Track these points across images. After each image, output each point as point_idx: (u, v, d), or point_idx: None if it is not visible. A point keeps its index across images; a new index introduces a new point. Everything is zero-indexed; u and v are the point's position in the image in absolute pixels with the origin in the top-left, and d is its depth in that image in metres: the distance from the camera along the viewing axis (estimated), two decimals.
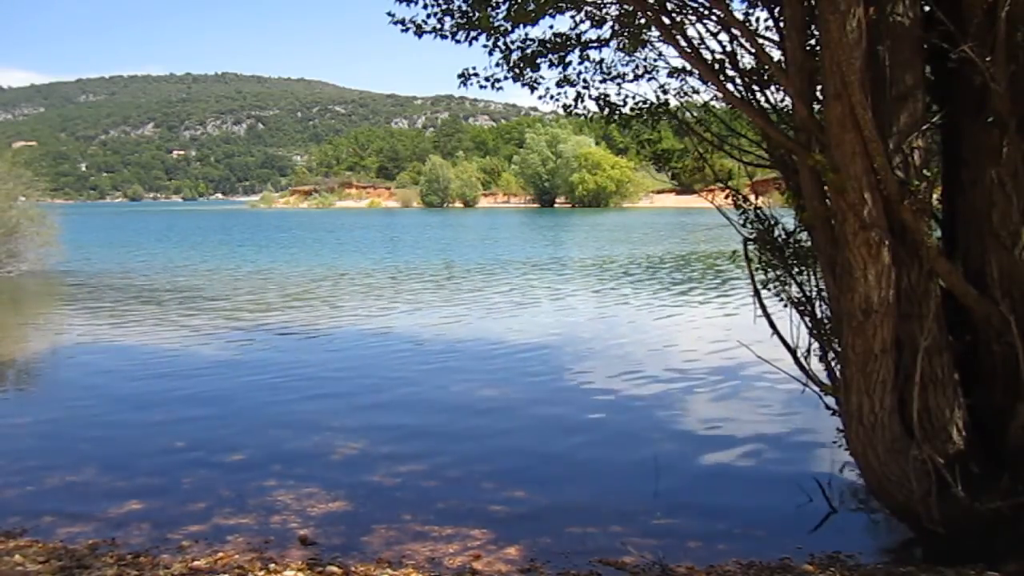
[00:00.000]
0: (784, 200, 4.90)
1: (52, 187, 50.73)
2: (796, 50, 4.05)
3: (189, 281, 21.98)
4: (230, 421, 7.92)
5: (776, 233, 5.21)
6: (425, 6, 5.34)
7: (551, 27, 5.75)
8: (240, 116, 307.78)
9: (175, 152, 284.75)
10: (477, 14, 5.26)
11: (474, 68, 5.85)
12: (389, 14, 5.38)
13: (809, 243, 4.89)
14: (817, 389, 4.98)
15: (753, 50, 4.67)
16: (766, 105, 5.02)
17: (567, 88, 5.90)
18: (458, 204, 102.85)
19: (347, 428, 7.58)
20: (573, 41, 5.69)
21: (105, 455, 6.75)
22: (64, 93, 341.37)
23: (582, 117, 6.08)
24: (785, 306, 5.23)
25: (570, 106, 5.94)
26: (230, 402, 8.71)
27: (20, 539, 4.90)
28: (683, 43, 4.69)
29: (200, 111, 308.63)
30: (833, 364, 4.80)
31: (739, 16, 4.87)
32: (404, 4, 5.34)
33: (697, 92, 5.65)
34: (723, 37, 5.04)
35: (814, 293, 5.06)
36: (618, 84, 5.83)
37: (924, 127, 4.02)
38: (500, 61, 5.72)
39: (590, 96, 5.87)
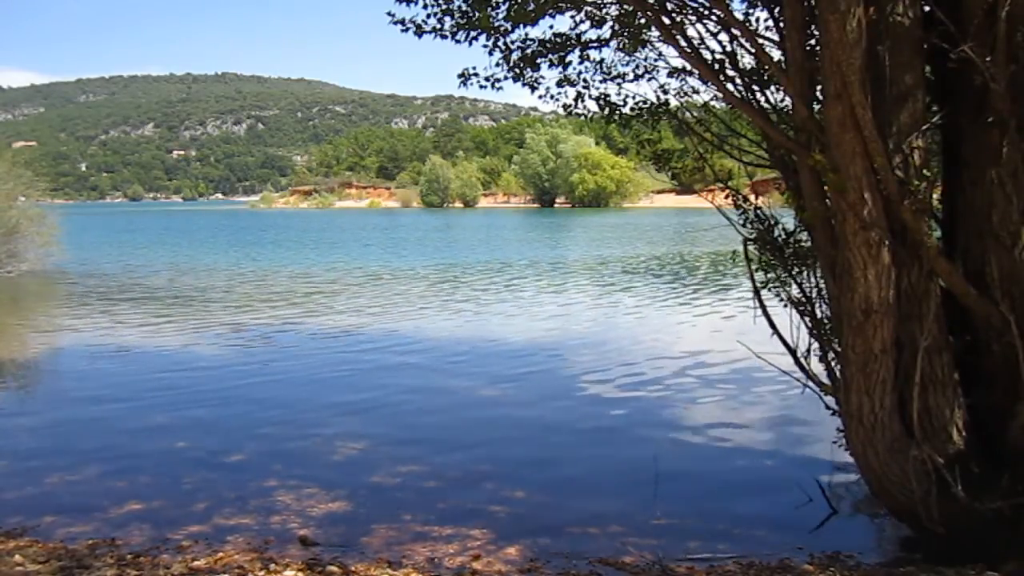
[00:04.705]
0: (784, 200, 4.90)
1: (52, 187, 50.76)
2: (796, 50, 4.05)
3: (190, 281, 21.98)
4: (231, 421, 7.92)
5: (776, 233, 5.21)
6: (425, 6, 5.35)
7: (551, 27, 5.76)
8: (240, 116, 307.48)
9: (175, 152, 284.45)
10: (477, 14, 5.26)
11: (474, 68, 5.86)
12: (389, 14, 5.39)
13: (809, 243, 4.89)
14: (817, 389, 4.98)
15: (753, 50, 4.67)
16: (766, 105, 5.02)
17: (567, 88, 5.90)
18: (458, 204, 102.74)
19: (347, 428, 7.57)
20: (573, 41, 5.69)
21: (105, 455, 6.74)
22: (64, 93, 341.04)
23: (582, 117, 6.08)
24: (785, 306, 5.23)
25: (570, 106, 5.94)
26: (231, 402, 8.71)
27: (20, 539, 4.90)
28: (683, 43, 4.70)
29: (200, 111, 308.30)
30: (833, 364, 4.80)
31: (739, 16, 4.88)
32: (404, 4, 5.34)
33: (697, 92, 5.66)
34: (723, 37, 5.05)
35: (814, 293, 5.05)
36: (618, 84, 5.83)
37: (924, 127, 4.02)
38: (500, 61, 5.73)
39: (590, 96, 5.88)
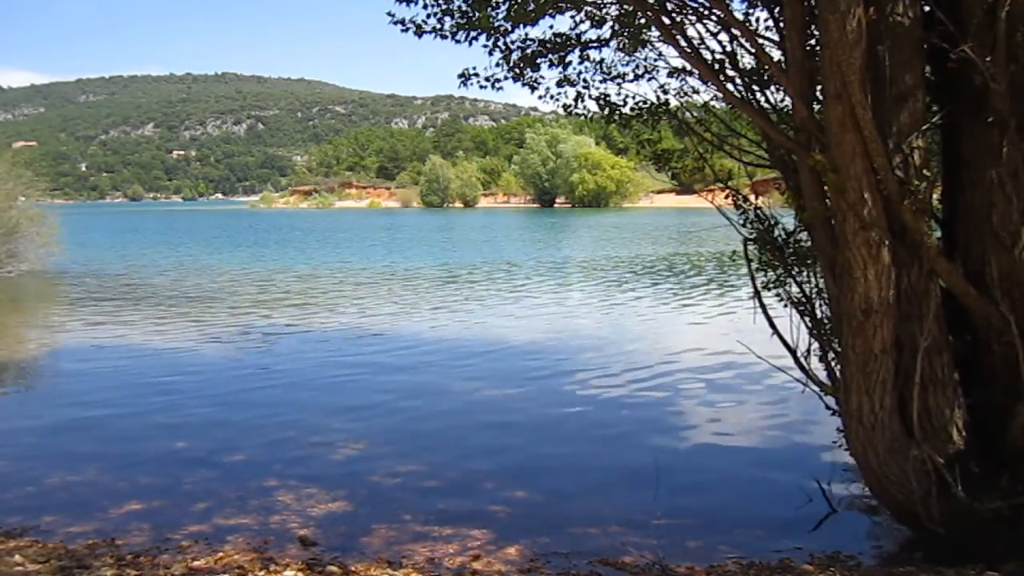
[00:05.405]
0: (784, 200, 4.90)
1: (52, 187, 50.78)
2: (796, 50, 4.05)
3: (188, 281, 21.98)
4: (230, 421, 7.92)
5: (776, 233, 5.21)
6: (425, 6, 5.34)
7: (551, 27, 5.75)
8: (240, 116, 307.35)
9: (175, 152, 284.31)
10: (477, 14, 5.26)
11: (474, 68, 5.85)
12: (389, 14, 5.39)
13: (809, 243, 4.89)
14: (817, 389, 4.98)
15: (753, 50, 4.67)
16: (766, 105, 5.02)
17: (567, 88, 5.89)
18: (458, 204, 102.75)
19: (347, 428, 7.57)
20: (573, 41, 5.69)
21: (105, 455, 6.74)
22: (64, 93, 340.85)
23: (582, 117, 6.08)
24: (785, 306, 5.23)
25: (570, 106, 5.94)
26: (230, 402, 8.71)
27: (20, 539, 4.90)
28: (683, 43, 4.70)
29: (200, 111, 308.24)
30: (833, 364, 4.80)
31: (739, 16, 4.87)
32: (404, 4, 5.34)
33: (697, 92, 5.66)
34: (723, 37, 5.04)
35: (814, 293, 5.06)
36: (618, 84, 5.83)
37: (924, 127, 4.02)
38: (500, 61, 5.72)
39: (590, 96, 5.87)
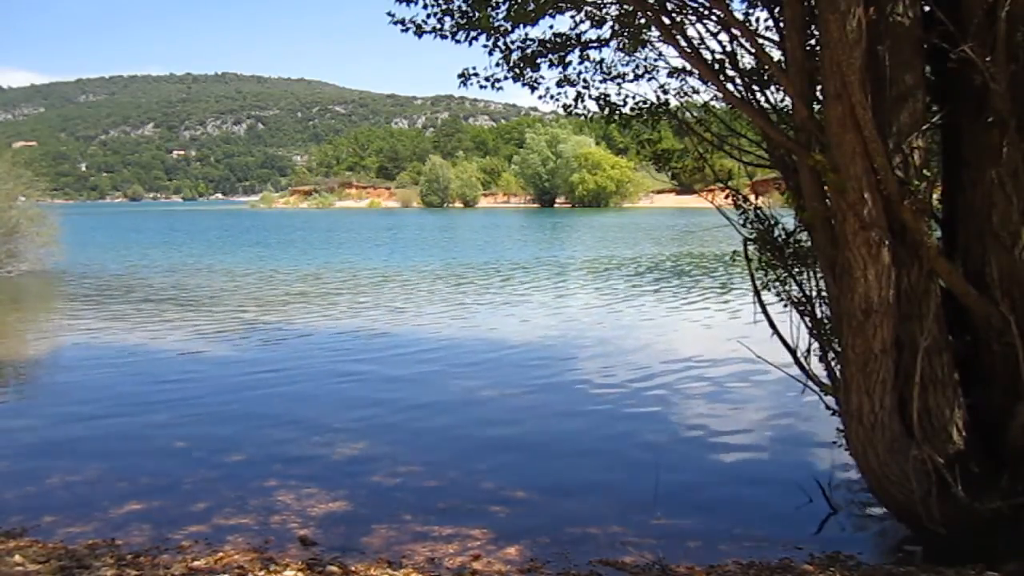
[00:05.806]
0: (784, 200, 4.90)
1: (52, 187, 50.73)
2: (796, 50, 4.05)
3: (189, 281, 21.97)
4: (230, 421, 7.92)
5: (776, 233, 5.21)
6: (425, 6, 5.35)
7: (551, 27, 5.76)
8: (240, 116, 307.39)
9: (175, 152, 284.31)
10: (477, 14, 5.26)
11: (474, 68, 5.86)
12: (389, 14, 5.40)
13: (809, 243, 4.89)
14: (817, 389, 4.98)
15: (753, 50, 4.67)
16: (766, 105, 5.02)
17: (567, 88, 5.90)
18: (458, 204, 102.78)
19: (347, 428, 7.58)
20: (573, 41, 5.70)
21: (105, 455, 6.74)
22: (64, 93, 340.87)
23: (582, 117, 6.08)
24: (785, 306, 5.23)
25: (570, 106, 5.94)
26: (230, 402, 8.70)
27: (20, 539, 4.90)
28: (683, 43, 4.70)
29: (200, 111, 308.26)
30: (833, 364, 4.80)
31: (739, 16, 4.88)
32: (404, 4, 5.35)
33: (697, 92, 5.66)
34: (723, 37, 5.05)
35: (814, 293, 5.06)
36: (618, 84, 5.83)
37: (924, 127, 4.03)
38: (500, 61, 5.73)
39: (590, 96, 5.88)
